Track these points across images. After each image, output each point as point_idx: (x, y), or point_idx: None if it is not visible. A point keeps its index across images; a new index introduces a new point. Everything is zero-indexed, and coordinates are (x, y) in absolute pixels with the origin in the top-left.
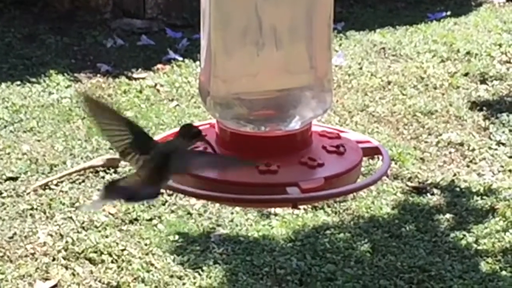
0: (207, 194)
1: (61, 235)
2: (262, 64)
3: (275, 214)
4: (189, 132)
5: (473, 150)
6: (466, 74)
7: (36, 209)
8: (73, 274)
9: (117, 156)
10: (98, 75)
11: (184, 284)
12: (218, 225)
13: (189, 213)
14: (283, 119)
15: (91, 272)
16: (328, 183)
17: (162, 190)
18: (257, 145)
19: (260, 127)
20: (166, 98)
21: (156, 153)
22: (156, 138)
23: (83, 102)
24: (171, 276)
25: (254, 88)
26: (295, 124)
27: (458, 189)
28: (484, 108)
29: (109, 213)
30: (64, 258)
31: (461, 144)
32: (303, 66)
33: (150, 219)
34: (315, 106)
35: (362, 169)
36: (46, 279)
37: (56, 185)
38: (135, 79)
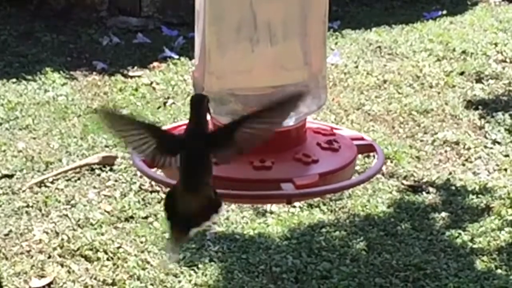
0: None
1: (57, 233)
2: (256, 60)
3: (271, 212)
4: (203, 102)
5: (469, 148)
6: (461, 73)
7: (32, 206)
8: (69, 272)
9: (112, 154)
10: (94, 73)
11: (179, 281)
12: (214, 223)
13: None
14: None
15: (87, 269)
16: (322, 179)
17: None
18: None
19: None
20: (162, 96)
21: (189, 151)
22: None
23: (101, 118)
24: (167, 274)
25: (248, 84)
26: (289, 121)
27: (453, 187)
28: (480, 107)
29: (105, 210)
30: (59, 256)
31: (457, 143)
32: (298, 62)
33: (146, 217)
34: (310, 103)
35: (358, 167)
36: (42, 277)
37: (52, 182)
38: (131, 77)
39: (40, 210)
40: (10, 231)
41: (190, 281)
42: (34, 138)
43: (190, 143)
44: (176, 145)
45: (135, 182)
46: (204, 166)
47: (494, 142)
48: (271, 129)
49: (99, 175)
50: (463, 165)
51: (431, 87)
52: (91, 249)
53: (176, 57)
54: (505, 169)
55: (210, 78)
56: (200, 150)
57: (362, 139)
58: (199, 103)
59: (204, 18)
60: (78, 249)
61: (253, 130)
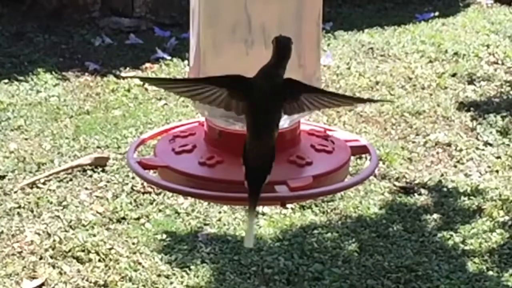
0: (194, 192)
1: (49, 234)
2: (251, 62)
3: (263, 214)
4: (287, 47)
5: (461, 150)
6: (453, 75)
7: (24, 207)
8: (60, 273)
9: (104, 155)
10: (86, 73)
11: (171, 283)
12: (206, 224)
13: (176, 212)
14: None
15: (79, 271)
16: (316, 181)
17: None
18: None
19: None
20: (154, 97)
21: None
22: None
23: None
24: (159, 275)
25: None
26: (283, 123)
27: (445, 189)
28: (472, 108)
29: (97, 211)
30: (51, 257)
31: (449, 145)
32: (292, 64)
33: (138, 218)
34: None
35: (350, 169)
36: (33, 278)
37: (44, 183)
38: (123, 77)
39: (32, 211)
40: (2, 232)
41: (182, 282)
42: (26, 139)
43: (262, 86)
44: (247, 89)
45: (127, 183)
46: (273, 112)
47: (486, 143)
48: (330, 107)
49: (91, 176)
50: (455, 166)
51: (423, 88)
52: (83, 251)
53: (169, 58)
54: (497, 171)
55: None
56: (271, 94)
57: (356, 140)
58: (284, 46)
59: (199, 19)
60: (69, 250)
61: (318, 103)
